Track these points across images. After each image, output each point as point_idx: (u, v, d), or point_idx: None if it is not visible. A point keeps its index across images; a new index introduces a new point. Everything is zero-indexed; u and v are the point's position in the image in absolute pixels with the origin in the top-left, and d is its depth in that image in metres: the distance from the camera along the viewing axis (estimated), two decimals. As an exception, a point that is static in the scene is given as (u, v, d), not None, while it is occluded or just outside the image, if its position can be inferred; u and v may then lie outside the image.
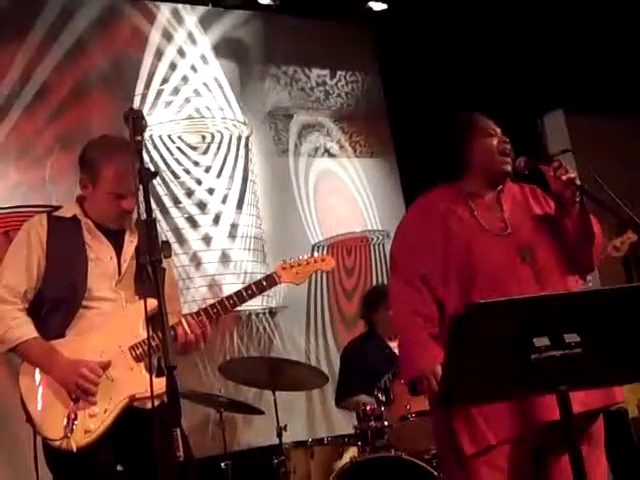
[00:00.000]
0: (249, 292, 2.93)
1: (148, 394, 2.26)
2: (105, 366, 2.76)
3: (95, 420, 2.70)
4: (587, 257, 2.69)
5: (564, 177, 2.58)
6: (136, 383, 2.72)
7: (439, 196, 2.78)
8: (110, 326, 2.81)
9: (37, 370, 2.77)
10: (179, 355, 2.92)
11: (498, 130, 2.77)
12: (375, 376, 4.12)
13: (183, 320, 2.86)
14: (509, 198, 2.75)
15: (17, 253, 2.86)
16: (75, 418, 2.68)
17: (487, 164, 2.71)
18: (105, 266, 2.87)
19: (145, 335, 2.63)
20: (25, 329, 2.78)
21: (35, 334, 2.78)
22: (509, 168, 2.71)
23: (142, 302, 2.31)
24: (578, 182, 2.59)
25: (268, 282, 2.98)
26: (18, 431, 3.81)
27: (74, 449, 2.65)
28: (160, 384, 2.17)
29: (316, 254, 3.17)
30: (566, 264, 2.66)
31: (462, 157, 2.74)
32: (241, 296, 2.93)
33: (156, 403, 2.33)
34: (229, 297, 2.94)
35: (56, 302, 2.82)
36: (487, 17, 6.06)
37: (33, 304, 2.85)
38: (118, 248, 2.91)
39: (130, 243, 2.93)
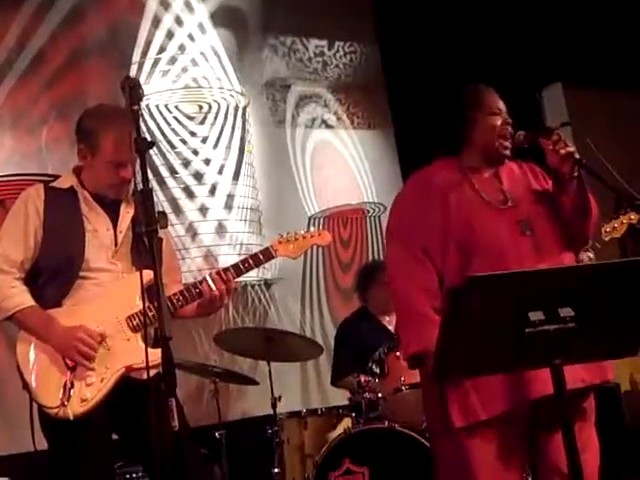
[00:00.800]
0: (246, 265, 2.96)
1: (144, 364, 2.26)
2: (103, 334, 2.77)
3: (92, 389, 2.71)
4: (583, 232, 2.69)
5: (563, 151, 2.56)
6: (133, 353, 2.73)
7: (438, 169, 2.76)
8: (107, 297, 2.82)
9: (34, 338, 2.78)
10: (205, 316, 3.06)
11: (503, 108, 2.73)
12: (369, 353, 4.13)
13: (207, 277, 2.89)
14: (508, 173, 2.74)
15: (14, 223, 2.86)
16: (72, 386, 2.69)
17: (486, 144, 2.69)
18: (102, 237, 2.88)
19: (140, 306, 2.65)
20: (22, 298, 2.79)
21: (32, 302, 2.79)
22: (507, 152, 2.70)
23: (139, 273, 2.30)
24: (577, 156, 2.58)
25: (265, 255, 3.01)
26: (14, 398, 3.82)
27: (71, 417, 2.67)
28: (157, 354, 2.18)
29: (312, 228, 3.18)
30: (563, 239, 2.66)
31: (463, 131, 2.71)
32: (238, 269, 2.95)
33: (153, 373, 2.35)
34: (226, 269, 2.95)
35: (53, 272, 2.82)
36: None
37: (30, 274, 2.85)
38: (114, 219, 2.92)
39: (126, 214, 2.93)
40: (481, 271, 2.43)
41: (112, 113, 2.89)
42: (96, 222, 2.89)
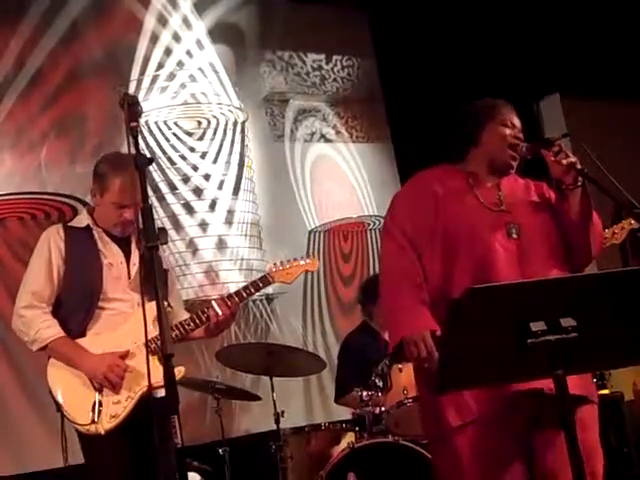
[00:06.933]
0: (247, 292, 3.29)
1: (162, 383, 2.31)
2: (125, 355, 3.05)
3: (119, 406, 3.00)
4: (586, 245, 2.68)
5: (565, 161, 2.59)
6: (153, 373, 2.80)
7: (439, 174, 2.80)
8: (126, 325, 3.08)
9: (63, 365, 3.04)
10: (212, 337, 3.39)
11: (518, 125, 2.78)
12: (372, 367, 4.11)
13: (214, 303, 3.20)
14: (509, 184, 2.76)
15: (38, 262, 3.13)
16: (100, 405, 2.99)
17: (495, 151, 2.73)
18: (117, 270, 3.15)
19: (155, 332, 2.77)
20: (54, 330, 3.06)
21: (63, 333, 3.06)
22: (514, 164, 2.74)
23: (151, 303, 2.36)
24: (579, 166, 2.60)
25: (263, 282, 3.35)
26: (17, 418, 3.82)
27: (102, 432, 2.95)
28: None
29: (302, 260, 3.47)
30: (563, 254, 2.67)
31: (473, 137, 2.75)
32: (241, 295, 3.26)
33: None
34: (230, 296, 3.24)
35: (75, 304, 3.10)
36: (483, 1, 6.04)
37: (54, 306, 3.12)
38: (127, 253, 3.19)
39: (136, 250, 3.18)
40: (463, 270, 2.53)
41: (124, 160, 3.09)
42: (111, 256, 3.16)
